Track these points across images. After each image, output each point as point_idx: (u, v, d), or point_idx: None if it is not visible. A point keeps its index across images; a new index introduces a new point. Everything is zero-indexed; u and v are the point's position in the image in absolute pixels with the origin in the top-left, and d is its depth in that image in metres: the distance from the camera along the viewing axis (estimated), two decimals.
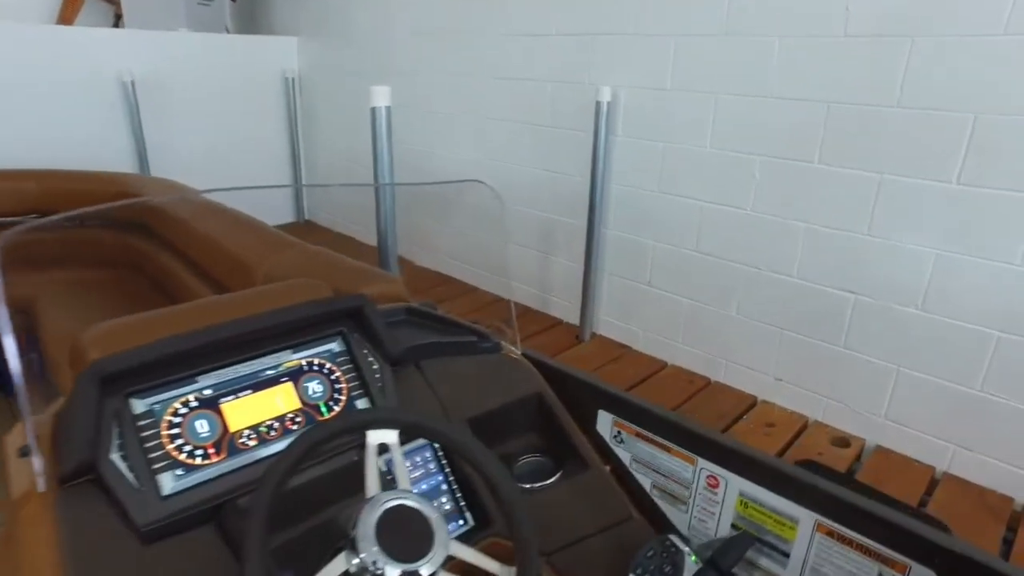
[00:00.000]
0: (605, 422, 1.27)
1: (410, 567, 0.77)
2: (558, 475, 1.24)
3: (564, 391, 1.34)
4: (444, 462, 1.16)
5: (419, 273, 3.85)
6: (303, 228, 4.79)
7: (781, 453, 2.19)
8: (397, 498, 0.82)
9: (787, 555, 1.05)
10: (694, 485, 1.15)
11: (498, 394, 1.28)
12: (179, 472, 0.95)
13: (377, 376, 1.16)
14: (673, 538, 1.08)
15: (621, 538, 1.18)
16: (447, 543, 0.81)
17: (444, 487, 1.14)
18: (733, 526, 1.12)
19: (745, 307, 2.46)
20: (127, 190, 2.94)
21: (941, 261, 1.96)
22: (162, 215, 2.66)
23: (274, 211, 4.78)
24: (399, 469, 0.88)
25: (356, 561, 0.76)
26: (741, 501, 1.09)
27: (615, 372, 2.66)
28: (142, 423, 0.95)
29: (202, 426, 0.99)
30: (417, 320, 1.43)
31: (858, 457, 2.20)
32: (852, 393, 2.25)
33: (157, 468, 0.94)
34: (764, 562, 1.08)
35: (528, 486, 1.22)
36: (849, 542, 0.97)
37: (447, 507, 1.13)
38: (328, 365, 1.14)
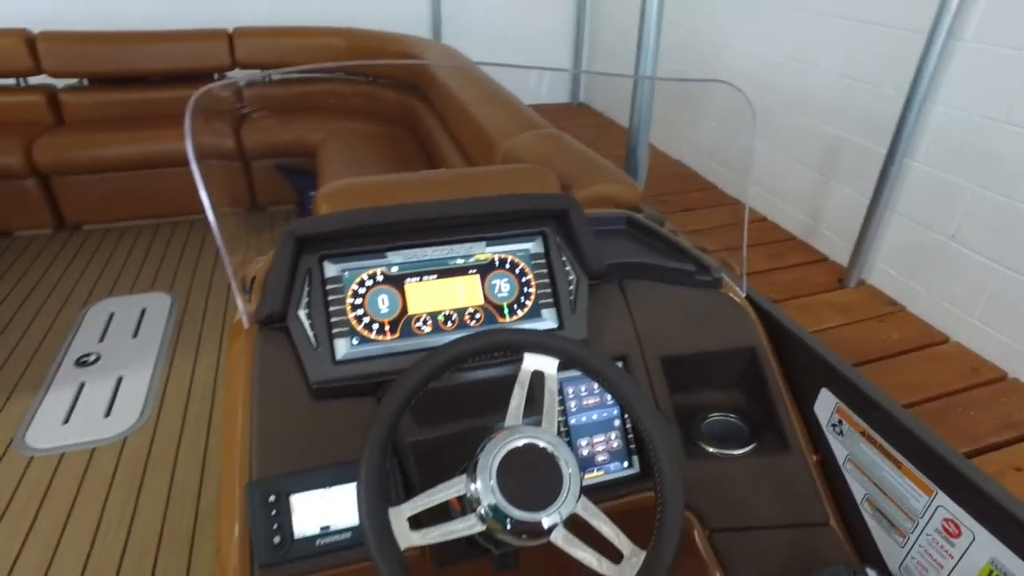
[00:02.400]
0: (826, 404, 1.03)
1: (526, 515, 0.69)
2: (751, 447, 1.05)
3: (785, 353, 1.10)
4: None
5: (661, 160, 3.59)
6: (575, 110, 4.72)
7: None
8: (533, 437, 0.73)
9: None
10: (924, 521, 0.89)
11: (704, 338, 1.10)
12: (354, 341, 0.97)
13: (571, 288, 1.06)
14: (872, 573, 0.85)
15: (806, 544, 0.98)
16: (576, 499, 0.71)
17: (617, 423, 1.04)
18: None
19: None
20: (412, 52, 3.09)
21: None
22: (434, 80, 2.76)
23: (550, 91, 4.77)
24: (549, 405, 0.79)
25: (473, 487, 0.70)
26: (991, 572, 0.81)
27: (876, 333, 2.24)
28: (330, 287, 0.98)
29: (383, 302, 1.00)
30: (637, 233, 1.28)
31: None
32: None
33: (336, 333, 0.96)
34: None
35: (712, 449, 1.06)
36: None
37: (614, 445, 1.03)
38: (522, 265, 1.06)
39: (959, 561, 0.85)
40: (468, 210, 1.02)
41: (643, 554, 0.73)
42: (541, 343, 0.80)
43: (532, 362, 0.80)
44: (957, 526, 0.84)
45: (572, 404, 1.03)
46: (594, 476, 1.01)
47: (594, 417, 1.03)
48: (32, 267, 2.96)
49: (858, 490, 1.00)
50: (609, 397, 1.05)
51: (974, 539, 0.82)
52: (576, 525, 0.74)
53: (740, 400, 1.14)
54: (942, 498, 0.86)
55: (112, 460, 1.93)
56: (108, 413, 2.11)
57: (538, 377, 0.81)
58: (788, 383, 1.09)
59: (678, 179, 3.40)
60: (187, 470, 1.90)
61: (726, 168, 3.31)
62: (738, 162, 3.21)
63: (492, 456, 0.71)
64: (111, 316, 2.61)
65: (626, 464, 1.03)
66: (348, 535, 0.88)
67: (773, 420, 1.07)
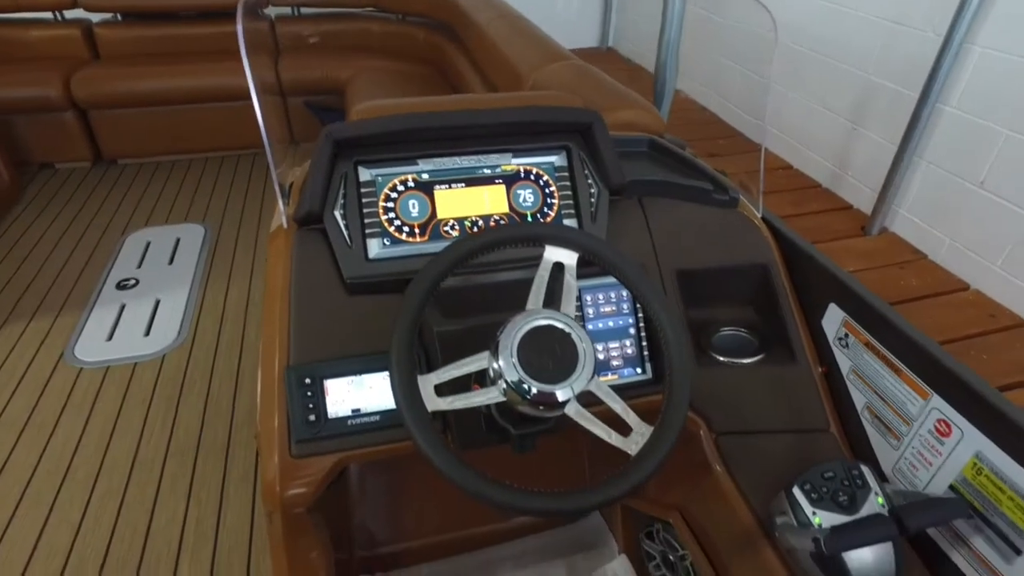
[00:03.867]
0: (834, 318, 1.07)
1: (545, 387, 0.75)
2: (759, 357, 1.11)
3: (797, 270, 1.14)
4: (638, 305, 1.10)
5: (687, 106, 3.56)
6: (603, 55, 4.65)
7: None
8: (551, 318, 0.79)
9: (1019, 552, 0.82)
10: (918, 424, 0.94)
11: (719, 253, 1.15)
12: (386, 242, 1.03)
13: (592, 200, 1.10)
14: (865, 469, 0.91)
15: (807, 448, 1.04)
16: (590, 377, 0.77)
17: (632, 330, 1.09)
18: (951, 487, 0.90)
19: None
20: None
21: None
22: (463, 15, 2.75)
23: (579, 35, 4.69)
24: (568, 292, 0.84)
25: (496, 366, 0.77)
26: (975, 464, 0.86)
27: (896, 279, 2.25)
28: (364, 190, 1.04)
29: (414, 206, 1.05)
30: (657, 155, 1.31)
31: None
32: None
33: (369, 233, 1.03)
34: (979, 545, 0.87)
35: (722, 359, 1.11)
36: None
37: (629, 351, 1.09)
38: (545, 177, 1.11)
39: (947, 458, 0.90)
40: (495, 119, 1.06)
41: (650, 430, 0.79)
42: (563, 236, 0.85)
43: (553, 254, 0.85)
44: (948, 425, 0.89)
45: (590, 311, 1.08)
46: (608, 380, 1.07)
47: (610, 324, 1.09)
48: (73, 197, 3.06)
49: (859, 399, 1.05)
50: (626, 306, 1.10)
51: (962, 436, 0.87)
52: (589, 405, 0.80)
53: (751, 315, 1.18)
54: (936, 400, 0.91)
55: (152, 375, 2.05)
56: (148, 332, 2.22)
57: (558, 271, 0.86)
58: (798, 299, 1.14)
59: (704, 125, 3.38)
60: (222, 386, 2.01)
61: (753, 117, 3.28)
62: (768, 112, 3.17)
63: (513, 334, 0.77)
64: (148, 245, 2.71)
65: (639, 370, 1.09)
66: (377, 417, 0.95)
67: (782, 333, 1.12)
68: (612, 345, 1.08)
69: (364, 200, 1.03)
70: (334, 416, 0.94)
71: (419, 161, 1.06)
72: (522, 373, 0.75)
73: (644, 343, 1.09)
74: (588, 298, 1.09)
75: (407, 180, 1.05)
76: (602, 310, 1.09)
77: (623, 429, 0.80)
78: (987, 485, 0.85)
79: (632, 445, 0.78)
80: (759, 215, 1.20)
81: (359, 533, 1.45)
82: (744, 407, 1.07)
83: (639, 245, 1.13)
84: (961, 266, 2.28)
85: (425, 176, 1.06)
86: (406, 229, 1.04)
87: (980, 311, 2.12)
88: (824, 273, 1.08)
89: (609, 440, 0.78)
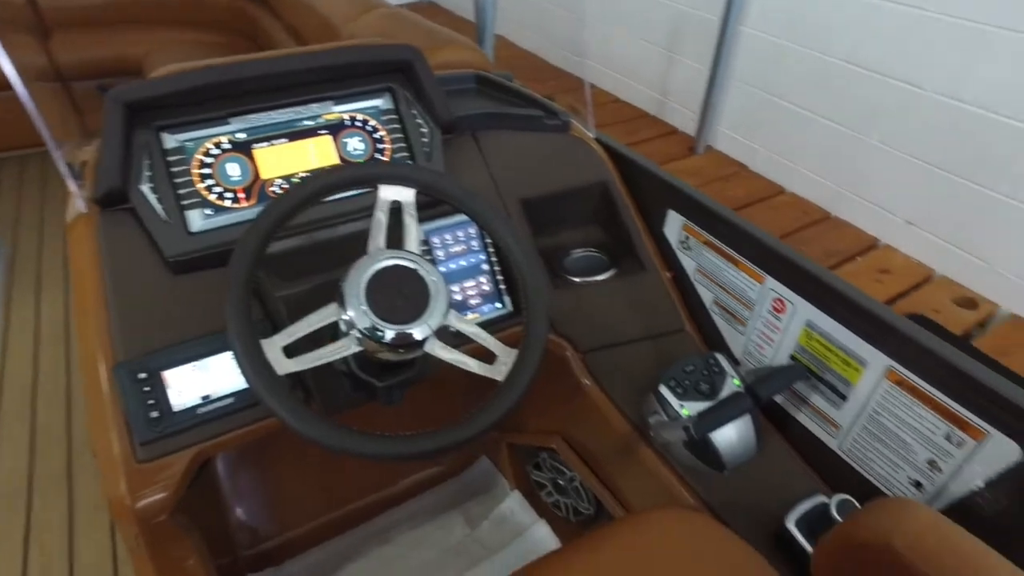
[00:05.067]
0: (674, 224, 1.12)
1: (400, 328, 0.72)
2: (611, 272, 1.14)
3: (635, 184, 1.18)
4: (488, 241, 1.09)
5: (512, 51, 3.59)
6: (425, 8, 4.53)
7: (890, 304, 1.96)
8: (396, 258, 0.75)
9: (844, 397, 0.92)
10: (758, 307, 1.02)
11: (559, 177, 1.16)
12: (208, 212, 0.93)
13: (425, 140, 1.06)
14: (719, 357, 0.97)
15: (667, 350, 1.10)
16: (444, 311, 0.75)
17: (485, 266, 1.08)
18: (792, 357, 0.99)
19: (892, 135, 2.08)
20: None
21: None
22: None
23: None
24: (409, 231, 0.80)
25: (346, 316, 0.72)
26: (807, 332, 0.95)
27: (722, 191, 2.42)
28: (172, 158, 0.93)
29: (233, 169, 0.96)
30: (487, 91, 1.29)
31: (983, 324, 1.93)
32: (1000, 249, 1.92)
33: (186, 204, 0.92)
34: (817, 400, 0.96)
35: (577, 279, 1.13)
36: (921, 395, 0.82)
37: (486, 288, 1.08)
38: (372, 122, 1.05)
39: (785, 332, 0.98)
40: (307, 64, 0.99)
41: (515, 353, 0.78)
42: (393, 173, 0.81)
43: (388, 192, 0.81)
44: (783, 302, 0.97)
45: (440, 253, 1.06)
46: (472, 319, 1.06)
47: (463, 263, 1.07)
48: None
49: (707, 295, 1.11)
50: (475, 243, 1.08)
51: (795, 310, 0.95)
52: (457, 347, 0.78)
53: (599, 235, 1.21)
54: (771, 282, 0.98)
55: None
56: None
57: (398, 211, 0.82)
58: (639, 211, 1.18)
59: (532, 69, 3.42)
60: (50, 413, 1.77)
61: (576, 55, 3.35)
62: (591, 48, 3.26)
63: (359, 281, 0.73)
64: None
65: (499, 305, 1.08)
66: (231, 400, 0.88)
67: (629, 247, 1.16)
68: (468, 284, 1.07)
69: (174, 169, 0.92)
70: (180, 408, 0.85)
71: (231, 120, 0.96)
72: (374, 318, 0.71)
73: (499, 277, 1.08)
74: (436, 240, 1.06)
75: (220, 142, 0.95)
76: (452, 250, 1.07)
77: (490, 359, 0.79)
78: (818, 348, 0.94)
79: (499, 372, 0.77)
80: (592, 136, 1.22)
81: (240, 531, 1.35)
82: (605, 322, 1.10)
83: (478, 179, 1.11)
84: (776, 172, 2.50)
85: (241, 136, 0.97)
86: (229, 196, 0.95)
87: (795, 210, 2.35)
88: (660, 183, 1.12)
89: (476, 371, 0.77)
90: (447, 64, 1.44)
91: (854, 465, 0.94)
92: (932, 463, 0.84)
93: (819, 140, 2.29)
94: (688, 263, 1.13)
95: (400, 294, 0.74)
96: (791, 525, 0.85)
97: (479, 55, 1.50)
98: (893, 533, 0.52)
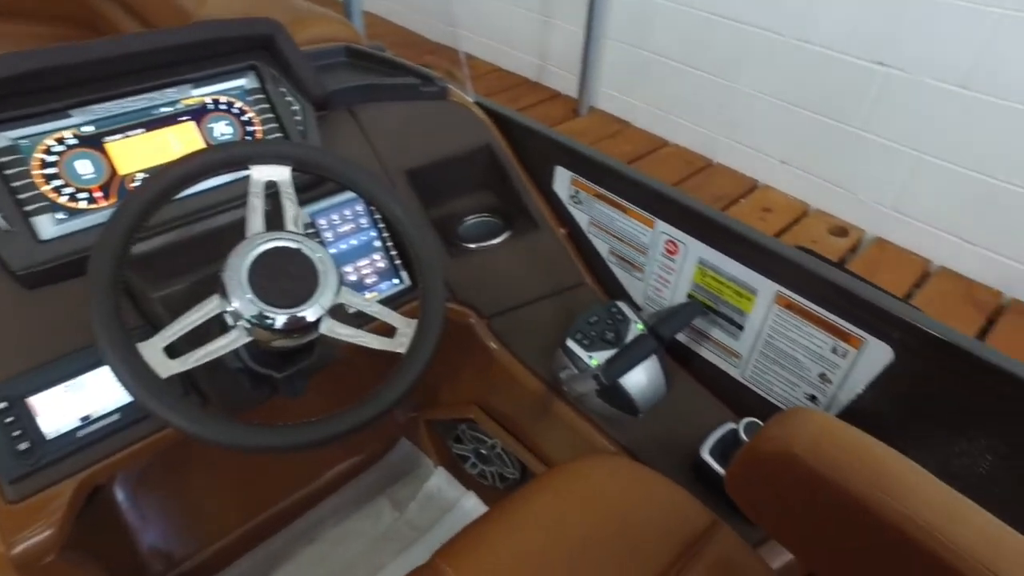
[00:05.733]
0: (563, 180, 1.13)
1: (291, 311, 0.68)
2: (505, 235, 1.14)
3: (520, 145, 1.18)
4: (377, 216, 1.05)
5: (386, 28, 3.50)
6: None
7: None
8: (275, 240, 0.71)
9: (741, 327, 0.97)
10: (652, 251, 1.04)
11: (443, 145, 1.13)
12: (60, 216, 0.84)
13: (298, 119, 1.01)
14: (621, 305, 0.99)
15: (570, 305, 1.11)
16: (336, 289, 0.71)
17: (377, 243, 1.05)
18: (689, 296, 1.03)
19: (758, 80, 2.19)
20: None
21: (1003, 26, 1.64)
22: None
23: None
24: (288, 210, 0.76)
25: (231, 308, 0.67)
26: (700, 269, 0.98)
27: (609, 149, 2.48)
28: (7, 159, 0.83)
29: (84, 167, 0.87)
30: (359, 63, 1.24)
31: (854, 248, 2.08)
32: (860, 180, 2.07)
33: (31, 210, 0.83)
34: (716, 333, 1.00)
35: (473, 246, 1.12)
36: (807, 315, 0.87)
37: (381, 265, 1.04)
38: (238, 104, 0.98)
39: (680, 273, 1.02)
40: (155, 44, 0.90)
41: (415, 323, 0.76)
42: (267, 152, 0.76)
43: (260, 173, 0.76)
44: (675, 244, 1.00)
45: (328, 235, 1.01)
46: (370, 298, 1.02)
47: (353, 243, 1.03)
48: None
49: (602, 247, 1.13)
50: (364, 220, 1.04)
51: (687, 250, 0.99)
52: (377, 328, 0.75)
53: (490, 199, 1.20)
54: (661, 225, 1.01)
55: None
56: None
57: (275, 193, 0.78)
58: (526, 171, 1.18)
59: (408, 44, 3.34)
60: None
61: (455, 27, 3.31)
62: (466, 19, 3.22)
63: (239, 268, 0.68)
64: None
65: (396, 281, 1.05)
66: (116, 417, 0.81)
67: (521, 207, 1.16)
68: (362, 263, 1.03)
69: (9, 172, 0.82)
70: (55, 435, 0.77)
71: (72, 113, 0.87)
72: (261, 304, 0.67)
73: (393, 252, 1.05)
74: (323, 221, 1.01)
75: (64, 138, 0.86)
76: (341, 230, 1.02)
77: (392, 335, 0.77)
78: (712, 283, 0.97)
79: (400, 344, 0.75)
80: (471, 100, 1.20)
81: (153, 557, 1.26)
82: (506, 285, 1.10)
83: (359, 154, 1.07)
84: (659, 126, 2.58)
85: (89, 129, 0.87)
86: (83, 196, 0.86)
87: (680, 160, 2.43)
88: (545, 140, 1.12)
89: (376, 346, 0.74)
90: (315, 39, 1.37)
91: (756, 390, 0.99)
92: (823, 376, 0.89)
93: (695, 91, 2.38)
94: (581, 217, 1.14)
95: (287, 276, 0.70)
96: (705, 454, 0.89)
97: (348, 28, 1.44)
98: (792, 442, 0.55)
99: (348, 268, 1.01)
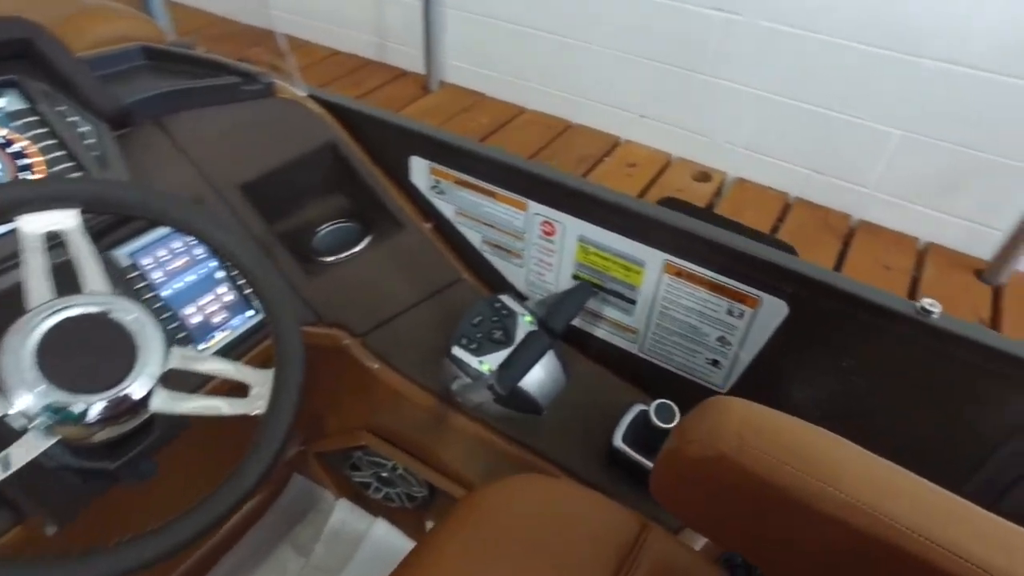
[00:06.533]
0: (420, 171, 1.02)
1: (107, 394, 0.54)
2: (366, 241, 1.02)
3: (367, 137, 1.05)
4: None
5: (200, 19, 3.18)
6: None
7: (643, 193, 2.08)
8: (71, 306, 0.56)
9: (633, 302, 0.92)
10: (528, 235, 0.97)
11: (278, 150, 0.99)
12: None
13: (91, 142, 0.83)
14: (504, 298, 0.91)
15: (449, 305, 1.01)
16: (162, 352, 0.58)
17: (220, 274, 0.90)
18: (575, 277, 0.96)
19: (609, 36, 2.16)
20: None
21: None
22: None
23: None
24: (85, 265, 0.61)
25: (13, 410, 0.52)
26: (582, 248, 0.92)
27: (466, 123, 2.38)
28: None
29: None
30: (163, 65, 1.06)
31: (718, 191, 2.13)
32: (715, 125, 2.11)
33: None
34: (609, 311, 0.95)
35: (331, 259, 0.99)
36: (699, 280, 0.83)
37: (228, 298, 0.90)
38: (3, 132, 0.79)
39: (561, 253, 0.95)
40: None
41: (270, 373, 0.64)
42: (36, 194, 0.60)
43: (31, 224, 0.60)
44: (551, 224, 0.93)
45: (156, 275, 0.85)
46: (222, 338, 0.88)
47: (191, 278, 0.87)
48: None
49: (474, 236, 1.04)
50: (199, 250, 0.89)
51: (565, 228, 0.92)
52: (198, 388, 0.61)
53: (344, 203, 1.08)
54: (534, 206, 0.93)
55: None
56: None
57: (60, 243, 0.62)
58: (379, 166, 1.06)
59: (229, 36, 3.01)
60: None
61: (278, 10, 3.04)
62: (293, 2, 2.96)
63: (20, 351, 0.53)
64: None
65: (250, 313, 0.91)
66: None
67: (379, 207, 1.04)
68: (206, 300, 0.88)
69: None
70: None
71: None
72: (61, 395, 0.53)
73: (240, 282, 0.91)
74: (147, 261, 0.85)
75: None
76: (172, 267, 0.86)
77: (243, 390, 0.64)
78: (597, 260, 0.91)
79: (257, 404, 0.63)
80: (303, 94, 1.06)
81: None
82: (376, 297, 0.99)
83: (179, 175, 0.91)
84: (514, 94, 2.50)
85: None
86: None
87: (539, 126, 2.38)
88: (394, 128, 1.01)
89: (231, 411, 0.62)
90: (101, 41, 1.16)
91: (658, 362, 0.95)
92: (722, 339, 0.86)
93: (546, 54, 2.31)
94: (445, 208, 1.04)
95: (92, 351, 0.55)
96: (619, 443, 0.84)
97: (145, 24, 1.23)
98: (717, 441, 0.49)
99: (190, 309, 0.86)
